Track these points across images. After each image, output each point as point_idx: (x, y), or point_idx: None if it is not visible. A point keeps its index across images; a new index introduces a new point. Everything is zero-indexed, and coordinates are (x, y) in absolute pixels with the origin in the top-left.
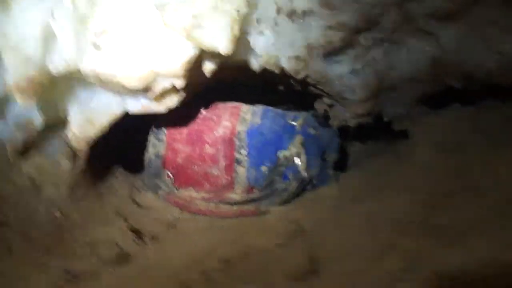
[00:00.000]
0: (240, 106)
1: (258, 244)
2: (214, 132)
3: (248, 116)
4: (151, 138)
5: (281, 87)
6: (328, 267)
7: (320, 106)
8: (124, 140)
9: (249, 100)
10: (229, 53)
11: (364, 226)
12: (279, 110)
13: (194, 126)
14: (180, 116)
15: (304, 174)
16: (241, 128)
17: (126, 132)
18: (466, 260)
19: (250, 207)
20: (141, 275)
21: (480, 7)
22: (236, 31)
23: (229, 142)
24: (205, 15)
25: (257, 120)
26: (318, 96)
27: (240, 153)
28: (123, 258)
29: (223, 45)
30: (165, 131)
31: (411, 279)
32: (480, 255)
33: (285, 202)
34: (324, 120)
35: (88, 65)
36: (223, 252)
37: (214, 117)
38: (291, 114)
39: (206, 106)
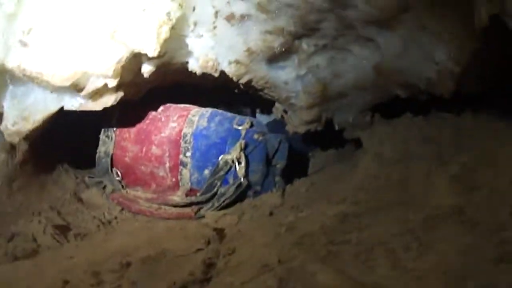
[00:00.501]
0: (191, 108)
1: (177, 248)
2: (161, 133)
3: (196, 119)
4: (102, 136)
5: (236, 91)
6: (220, 277)
7: (276, 112)
8: (79, 136)
9: (212, 103)
10: (156, 56)
11: (277, 238)
12: (228, 114)
13: (143, 126)
14: (131, 115)
15: (243, 179)
16: (187, 130)
17: (82, 128)
18: (328, 283)
19: (189, 210)
20: (34, 271)
21: (411, 14)
22: (165, 34)
23: (175, 143)
24: (132, 17)
25: (204, 123)
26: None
27: (185, 155)
28: (32, 253)
29: (150, 48)
30: (115, 130)
31: None
32: (351, 278)
33: (224, 207)
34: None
35: (14, 62)
36: (134, 255)
37: (163, 118)
38: (238, 118)
39: (158, 107)
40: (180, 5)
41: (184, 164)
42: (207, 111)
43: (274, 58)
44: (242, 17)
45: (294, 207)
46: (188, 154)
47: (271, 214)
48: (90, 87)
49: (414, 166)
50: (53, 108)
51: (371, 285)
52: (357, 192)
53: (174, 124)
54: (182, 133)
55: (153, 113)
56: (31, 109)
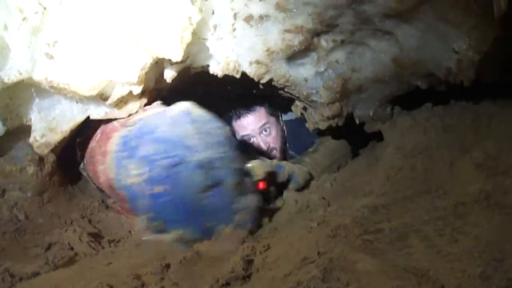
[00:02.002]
0: None
1: (210, 249)
2: None
3: None
4: None
5: (254, 91)
6: (260, 272)
7: (295, 109)
8: None
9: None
10: (180, 60)
11: (311, 232)
12: None
13: None
14: None
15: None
16: None
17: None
18: (370, 269)
19: None
20: (76, 277)
21: (429, 5)
22: (188, 38)
23: None
24: (155, 24)
25: None
26: (293, 100)
27: None
28: (71, 260)
29: (174, 53)
30: None
31: None
32: (391, 264)
33: None
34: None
35: (41, 75)
36: (170, 257)
37: None
38: None
39: None
40: (200, 9)
41: None
42: None
43: (293, 56)
44: (261, 17)
45: (322, 203)
46: None
47: (298, 211)
48: (116, 95)
49: (438, 155)
50: (79, 118)
51: (411, 269)
52: (383, 184)
53: None
54: None
55: None
56: (58, 120)
